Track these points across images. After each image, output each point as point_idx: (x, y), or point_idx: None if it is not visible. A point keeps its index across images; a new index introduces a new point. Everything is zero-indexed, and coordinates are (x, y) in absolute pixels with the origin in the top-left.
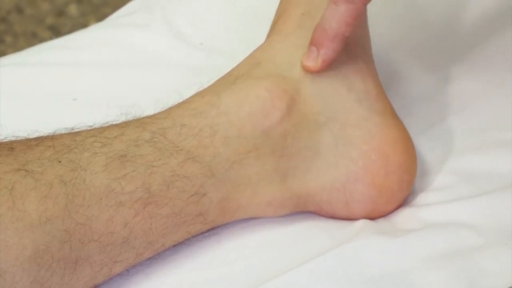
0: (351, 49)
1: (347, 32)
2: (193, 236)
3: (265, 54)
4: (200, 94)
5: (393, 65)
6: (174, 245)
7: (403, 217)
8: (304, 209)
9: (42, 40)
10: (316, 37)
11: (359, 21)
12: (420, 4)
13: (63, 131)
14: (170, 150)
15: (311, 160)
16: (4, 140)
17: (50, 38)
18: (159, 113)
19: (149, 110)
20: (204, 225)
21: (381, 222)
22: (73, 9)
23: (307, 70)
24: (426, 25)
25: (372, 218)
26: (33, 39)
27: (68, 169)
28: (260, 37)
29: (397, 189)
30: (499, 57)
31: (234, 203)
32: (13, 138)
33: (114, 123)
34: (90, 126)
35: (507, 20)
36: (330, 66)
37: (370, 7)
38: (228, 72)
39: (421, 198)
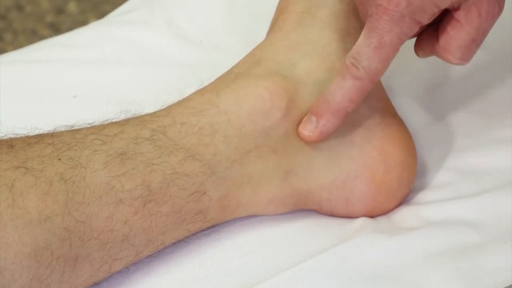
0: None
1: (350, 108)
2: (193, 234)
3: (265, 52)
4: (200, 92)
5: (393, 64)
6: (174, 243)
7: (403, 215)
8: (304, 207)
9: (41, 37)
10: (317, 108)
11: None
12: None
13: (63, 129)
14: (170, 148)
15: (313, 158)
16: (4, 138)
17: (50, 36)
18: (159, 111)
19: (149, 107)
20: (204, 223)
21: (381, 220)
22: (72, 7)
23: (301, 138)
24: None
25: (372, 216)
26: (33, 36)
27: (68, 166)
28: (260, 35)
29: (397, 187)
30: (499, 55)
31: (234, 201)
32: (13, 136)
33: (114, 120)
34: (90, 124)
35: (508, 19)
36: (332, 65)
37: None
38: (228, 70)
39: (421, 196)
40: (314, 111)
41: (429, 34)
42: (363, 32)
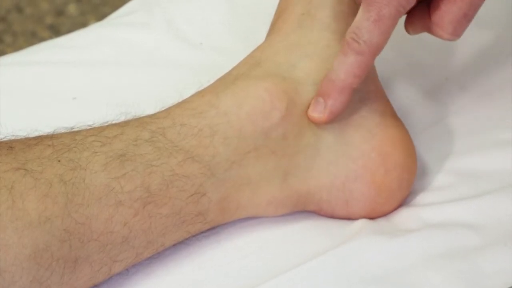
0: None
1: (354, 84)
2: (193, 236)
3: (265, 53)
4: (199, 94)
5: (393, 65)
6: (174, 245)
7: (403, 217)
8: (304, 208)
9: (41, 39)
10: (323, 88)
11: (367, 74)
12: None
13: (62, 130)
14: (169, 150)
15: (312, 158)
16: (4, 139)
17: (50, 38)
18: (158, 113)
19: (149, 109)
20: (203, 225)
21: (381, 222)
22: (72, 9)
23: (312, 121)
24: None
25: (371, 217)
26: (33, 38)
27: (68, 168)
28: (259, 36)
29: (397, 188)
30: (499, 56)
31: (234, 202)
32: (12, 137)
33: (113, 122)
34: (90, 125)
35: (507, 19)
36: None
37: None
38: (228, 72)
39: (421, 198)
40: (321, 92)
41: (420, 10)
42: (361, 7)
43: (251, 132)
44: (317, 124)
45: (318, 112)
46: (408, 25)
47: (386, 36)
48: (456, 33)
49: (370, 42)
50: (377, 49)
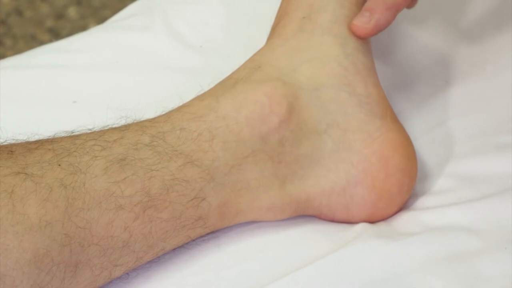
0: (352, 54)
1: (402, 5)
2: (193, 240)
3: (265, 57)
4: (199, 98)
5: (394, 69)
6: (174, 249)
7: (403, 220)
8: (304, 213)
9: (41, 42)
10: (371, 4)
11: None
12: (422, 4)
13: (63, 134)
14: (169, 154)
15: (310, 168)
16: (4, 143)
17: (50, 41)
18: (158, 117)
19: (149, 113)
20: (203, 229)
21: (381, 226)
22: (72, 12)
23: (355, 31)
24: (425, 29)
25: (372, 221)
26: (33, 41)
27: (68, 172)
28: (260, 40)
29: (397, 193)
30: (499, 60)
31: (234, 207)
32: (13, 141)
33: (114, 126)
34: (90, 129)
35: (507, 23)
36: (332, 71)
37: None
38: (228, 76)
39: (421, 202)
40: (368, 7)
41: None
42: None
43: (249, 136)
44: (359, 35)
45: (363, 22)
46: None
47: None
48: None
49: None
50: None
